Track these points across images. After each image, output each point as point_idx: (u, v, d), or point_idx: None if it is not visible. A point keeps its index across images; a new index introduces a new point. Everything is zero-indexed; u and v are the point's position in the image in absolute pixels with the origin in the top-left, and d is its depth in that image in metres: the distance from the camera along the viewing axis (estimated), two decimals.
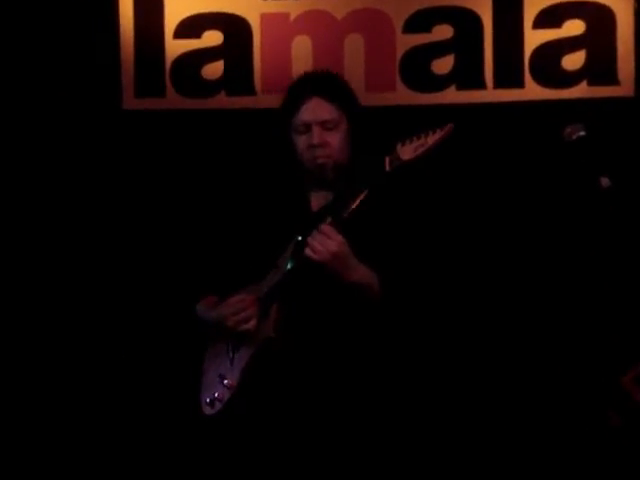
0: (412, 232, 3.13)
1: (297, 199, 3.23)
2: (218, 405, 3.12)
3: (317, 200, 3.21)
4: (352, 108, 3.22)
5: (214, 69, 4.26)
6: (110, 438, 4.21)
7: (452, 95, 4.18)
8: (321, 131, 3.13)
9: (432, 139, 2.94)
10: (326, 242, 2.95)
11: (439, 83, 4.19)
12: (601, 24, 4.10)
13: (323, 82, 3.22)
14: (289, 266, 3.06)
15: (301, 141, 3.16)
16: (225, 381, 3.11)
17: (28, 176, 4.28)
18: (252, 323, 3.08)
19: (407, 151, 2.96)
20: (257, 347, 3.08)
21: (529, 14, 4.13)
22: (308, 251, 2.97)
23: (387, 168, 2.98)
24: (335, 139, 3.14)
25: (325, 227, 2.97)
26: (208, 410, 3.15)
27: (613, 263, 3.53)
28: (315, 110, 3.15)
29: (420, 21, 4.18)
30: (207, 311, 3.22)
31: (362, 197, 2.98)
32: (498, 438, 4.06)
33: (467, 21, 4.16)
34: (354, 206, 2.98)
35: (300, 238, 3.05)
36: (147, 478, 4.14)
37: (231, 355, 3.14)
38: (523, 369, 4.06)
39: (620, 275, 3.64)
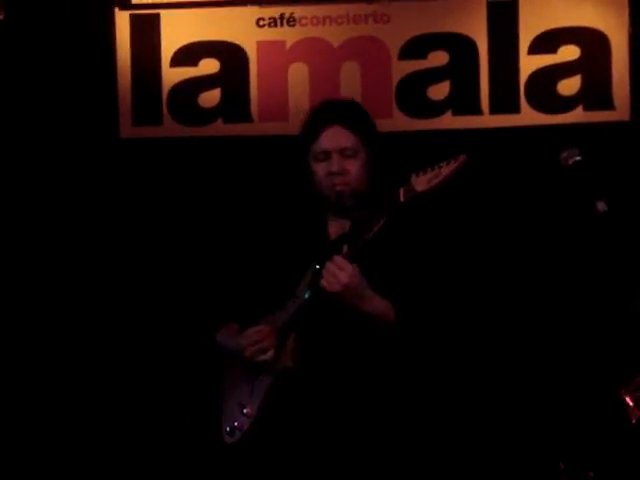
0: (425, 261, 3.12)
1: (315, 227, 3.22)
2: (238, 434, 3.11)
3: (335, 228, 3.20)
4: (371, 136, 3.21)
5: (211, 97, 4.28)
6: (131, 466, 4.22)
7: (448, 121, 4.20)
8: (340, 159, 3.12)
9: (446, 170, 2.94)
10: (337, 273, 2.95)
11: (435, 109, 4.21)
12: (596, 49, 4.13)
13: (343, 110, 3.22)
14: (306, 295, 3.06)
15: (320, 168, 3.15)
16: (245, 410, 3.11)
17: (26, 205, 4.29)
18: (269, 354, 3.07)
19: (421, 182, 2.95)
20: (276, 377, 3.08)
21: (524, 40, 4.15)
22: (323, 282, 2.98)
23: (402, 199, 2.97)
24: (354, 167, 3.13)
25: (337, 258, 2.97)
26: (228, 439, 3.14)
27: (609, 286, 3.53)
28: (335, 138, 3.14)
29: (416, 48, 4.20)
30: (227, 340, 3.22)
31: (377, 228, 2.98)
32: (501, 448, 4.08)
33: (462, 47, 4.18)
34: (368, 236, 2.99)
35: (317, 267, 3.05)
36: None
37: (251, 384, 3.14)
38: (528, 387, 4.07)
39: (614, 296, 3.65)
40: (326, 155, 3.14)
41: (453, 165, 2.94)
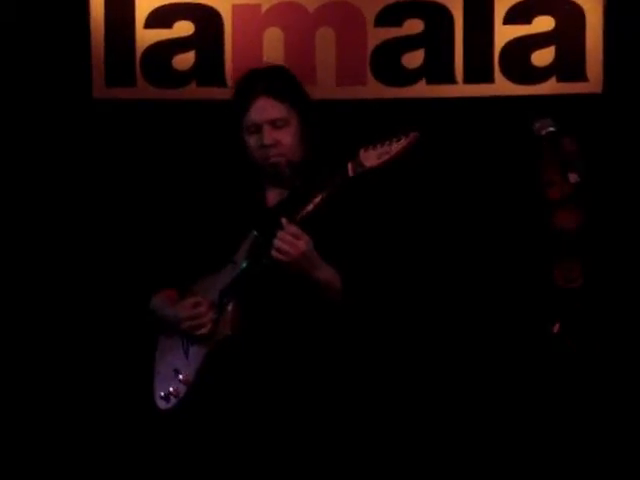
0: (372, 232, 3.13)
1: (253, 194, 3.22)
2: (173, 400, 3.09)
3: (273, 196, 3.21)
4: (302, 104, 3.20)
5: (185, 59, 4.25)
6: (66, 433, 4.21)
7: (422, 89, 4.20)
8: (271, 130, 3.11)
9: (396, 147, 2.92)
10: (294, 241, 2.94)
11: (409, 77, 4.20)
12: (571, 21, 4.13)
13: (270, 80, 3.20)
14: (245, 264, 3.06)
15: (252, 141, 3.15)
16: (180, 376, 3.09)
17: None
18: (207, 328, 3.07)
19: (370, 157, 2.95)
20: (214, 345, 3.07)
21: (499, 10, 4.15)
22: (274, 253, 2.96)
23: (350, 173, 2.97)
24: (287, 137, 3.13)
25: (291, 226, 2.95)
26: (163, 404, 3.12)
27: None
28: (264, 110, 3.13)
29: (391, 15, 4.19)
30: (163, 307, 3.20)
31: (319, 200, 2.97)
32: (473, 427, 4.11)
33: (438, 16, 4.17)
34: (310, 208, 2.98)
35: (256, 234, 3.05)
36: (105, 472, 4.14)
37: (186, 350, 3.12)
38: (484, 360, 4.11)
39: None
40: (257, 128, 3.13)
41: (404, 142, 2.93)
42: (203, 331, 3.06)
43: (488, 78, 4.17)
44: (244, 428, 3.06)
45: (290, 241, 2.94)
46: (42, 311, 4.25)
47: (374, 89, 4.21)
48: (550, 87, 4.14)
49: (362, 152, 2.97)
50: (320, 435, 3.07)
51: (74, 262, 4.26)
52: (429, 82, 4.20)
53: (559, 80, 4.15)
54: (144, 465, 3.96)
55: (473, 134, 4.12)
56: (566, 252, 3.35)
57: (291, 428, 3.05)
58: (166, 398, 3.10)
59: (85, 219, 4.26)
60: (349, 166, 2.97)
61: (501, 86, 4.16)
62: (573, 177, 3.00)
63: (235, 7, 4.22)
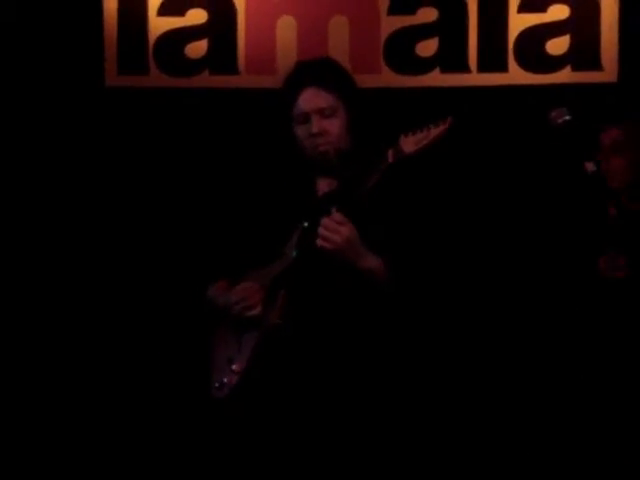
0: (414, 220, 3.14)
1: (303, 185, 3.23)
2: (227, 389, 3.14)
3: (323, 186, 3.22)
4: (349, 93, 3.21)
5: (198, 48, 4.24)
6: (120, 425, 4.21)
7: (436, 78, 4.19)
8: (320, 119, 3.13)
9: (434, 132, 2.96)
10: (338, 228, 2.97)
11: (423, 66, 4.19)
12: (586, 9, 4.12)
13: (317, 70, 3.22)
14: (294, 254, 3.08)
15: (301, 131, 3.17)
16: (233, 366, 3.13)
17: (8, 153, 4.25)
18: (257, 310, 3.10)
19: (409, 143, 2.98)
20: (263, 334, 3.10)
21: None
22: (320, 241, 2.99)
23: (390, 160, 3.00)
24: (334, 126, 3.15)
25: (335, 214, 2.98)
26: (217, 394, 3.16)
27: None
28: (311, 99, 3.15)
29: (405, 3, 4.18)
30: (216, 297, 3.23)
31: (366, 187, 3.00)
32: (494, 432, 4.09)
33: (452, 4, 4.16)
34: (358, 195, 3.01)
35: (306, 224, 3.07)
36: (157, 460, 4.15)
37: (239, 340, 3.16)
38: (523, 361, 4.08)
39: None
40: (305, 117, 3.15)
41: (442, 127, 2.98)
42: (254, 312, 3.09)
43: (502, 67, 4.15)
44: (293, 417, 3.07)
45: (334, 228, 2.97)
46: (95, 301, 4.24)
47: (388, 78, 4.19)
48: (565, 76, 4.13)
49: (402, 138, 3.00)
50: (370, 424, 3.08)
51: (85, 256, 4.24)
52: (443, 71, 4.18)
53: (574, 69, 4.13)
54: (198, 454, 4.02)
55: (487, 123, 4.10)
56: (613, 242, 3.32)
57: (339, 417, 3.06)
58: (220, 388, 3.15)
59: (97, 209, 4.25)
60: (389, 153, 3.00)
61: (515, 75, 4.15)
62: (590, 166, 2.99)
63: None
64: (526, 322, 4.06)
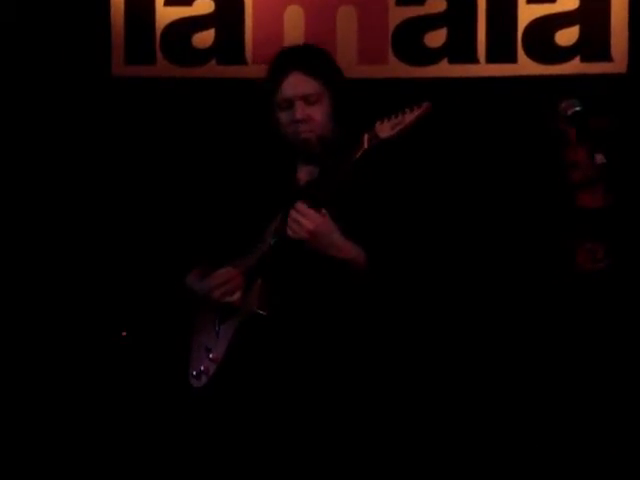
0: (393, 206, 3.12)
1: (284, 173, 3.21)
2: (204, 378, 3.13)
3: (304, 174, 3.20)
4: (334, 81, 3.18)
5: (205, 37, 4.23)
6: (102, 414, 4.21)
7: (444, 69, 4.17)
8: (303, 106, 3.10)
9: (409, 117, 2.93)
10: (300, 220, 2.95)
11: (431, 56, 4.17)
12: (595, 0, 4.09)
13: (303, 56, 3.19)
14: (273, 241, 3.07)
15: (284, 117, 3.13)
16: (211, 355, 3.12)
17: (15, 143, 4.25)
18: (237, 295, 3.08)
19: (385, 129, 2.94)
20: (242, 321, 3.08)
21: None
22: (288, 230, 2.98)
23: (365, 145, 2.96)
24: (318, 113, 3.11)
25: (299, 205, 2.96)
26: (195, 383, 3.16)
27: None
28: (296, 85, 3.12)
29: None
30: (195, 282, 3.22)
31: (343, 174, 2.97)
32: (480, 421, 4.07)
33: None
34: (335, 183, 2.98)
35: (285, 212, 3.05)
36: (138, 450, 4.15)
37: (217, 328, 3.15)
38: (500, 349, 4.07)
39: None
40: (289, 103, 3.12)
41: (416, 112, 2.93)
42: (232, 299, 3.08)
43: (511, 58, 4.13)
44: (270, 407, 3.06)
45: (297, 219, 2.95)
46: (76, 291, 4.25)
47: (395, 68, 4.17)
48: (574, 67, 4.10)
49: (378, 124, 2.97)
50: (350, 415, 3.07)
51: (95, 244, 4.26)
52: (451, 61, 4.16)
53: (583, 60, 4.11)
54: (176, 444, 3.98)
55: (495, 114, 4.09)
56: (590, 234, 3.31)
57: (317, 406, 3.04)
58: (198, 376, 3.15)
59: (105, 197, 4.25)
60: (365, 138, 2.97)
61: (524, 66, 4.12)
62: (599, 158, 2.97)
63: None
64: (507, 311, 4.06)
